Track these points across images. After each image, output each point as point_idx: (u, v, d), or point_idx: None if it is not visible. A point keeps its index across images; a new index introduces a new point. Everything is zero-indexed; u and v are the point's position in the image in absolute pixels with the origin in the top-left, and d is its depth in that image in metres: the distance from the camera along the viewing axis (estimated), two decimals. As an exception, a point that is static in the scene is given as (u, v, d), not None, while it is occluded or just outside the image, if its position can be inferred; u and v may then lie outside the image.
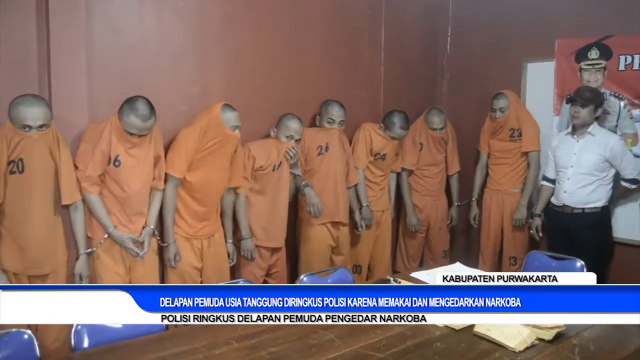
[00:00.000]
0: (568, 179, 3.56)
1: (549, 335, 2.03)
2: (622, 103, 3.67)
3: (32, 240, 2.59)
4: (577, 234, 3.54)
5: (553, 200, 3.71)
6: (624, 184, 3.53)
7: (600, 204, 3.51)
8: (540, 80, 4.07)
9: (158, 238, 3.04)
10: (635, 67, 3.61)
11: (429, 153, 4.18)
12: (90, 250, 2.80)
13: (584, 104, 3.44)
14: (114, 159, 2.77)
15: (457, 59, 4.64)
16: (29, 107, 2.49)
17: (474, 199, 4.30)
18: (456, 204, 4.41)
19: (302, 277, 2.74)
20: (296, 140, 3.41)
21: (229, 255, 3.28)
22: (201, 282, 3.07)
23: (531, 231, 3.91)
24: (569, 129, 3.63)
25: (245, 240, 3.32)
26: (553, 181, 3.73)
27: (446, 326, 2.15)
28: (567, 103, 3.59)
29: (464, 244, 4.66)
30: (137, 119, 2.71)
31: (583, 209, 3.52)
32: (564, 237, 3.61)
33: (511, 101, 3.93)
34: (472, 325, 2.12)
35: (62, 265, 2.73)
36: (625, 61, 3.63)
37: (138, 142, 2.80)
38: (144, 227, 2.94)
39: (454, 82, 4.67)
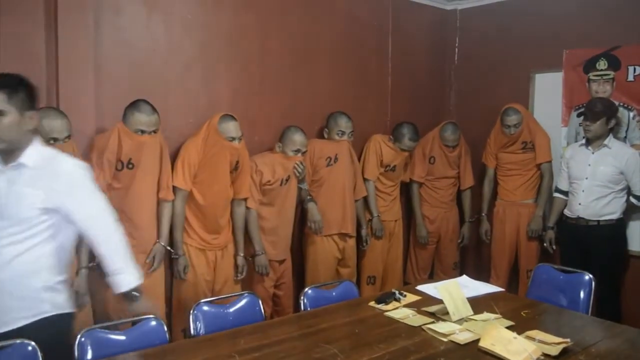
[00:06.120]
0: (583, 191, 3.50)
1: (555, 350, 1.99)
2: (631, 114, 3.64)
3: None
4: (591, 247, 3.48)
5: (566, 212, 3.65)
6: (632, 199, 3.48)
7: (615, 216, 3.46)
8: (549, 91, 4.05)
9: (171, 250, 3.05)
10: (644, 77, 3.58)
11: (441, 167, 4.16)
12: (91, 264, 2.68)
13: (595, 117, 3.39)
14: (126, 162, 2.80)
15: (464, 70, 4.63)
16: (54, 120, 2.54)
17: (483, 214, 4.25)
18: (468, 221, 4.36)
19: (307, 289, 2.73)
20: (302, 153, 3.41)
21: (238, 269, 3.27)
22: (212, 295, 3.06)
23: (545, 244, 3.85)
24: (583, 141, 3.58)
25: (259, 256, 3.31)
26: (566, 193, 3.68)
27: (451, 341, 2.13)
28: (578, 117, 3.54)
29: (474, 256, 4.61)
30: (141, 114, 2.79)
31: (598, 221, 3.46)
32: (578, 250, 3.55)
33: (523, 115, 3.90)
34: (477, 340, 2.10)
35: None
36: (634, 72, 3.61)
37: (149, 141, 2.82)
38: (155, 243, 2.95)
39: (462, 94, 4.66)
